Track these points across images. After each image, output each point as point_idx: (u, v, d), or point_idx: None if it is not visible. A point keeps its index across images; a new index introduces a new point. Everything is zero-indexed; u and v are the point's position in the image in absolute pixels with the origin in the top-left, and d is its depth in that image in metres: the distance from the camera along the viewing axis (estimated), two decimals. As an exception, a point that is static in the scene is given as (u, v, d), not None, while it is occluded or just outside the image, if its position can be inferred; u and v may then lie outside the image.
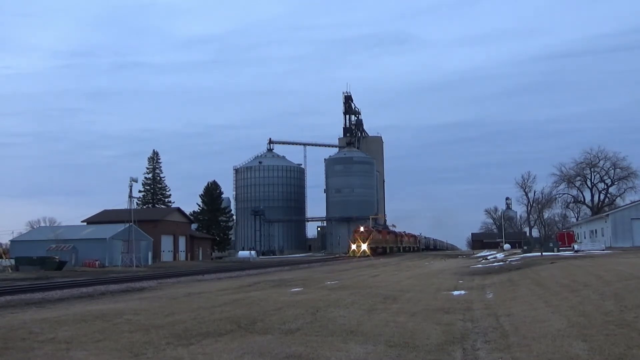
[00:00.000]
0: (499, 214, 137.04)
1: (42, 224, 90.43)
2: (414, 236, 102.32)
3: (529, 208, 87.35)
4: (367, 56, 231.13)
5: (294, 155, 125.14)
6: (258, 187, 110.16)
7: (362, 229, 70.09)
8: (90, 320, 10.16)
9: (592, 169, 74.96)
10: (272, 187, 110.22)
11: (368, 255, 62.94)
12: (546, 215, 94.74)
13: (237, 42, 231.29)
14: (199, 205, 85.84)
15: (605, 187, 75.33)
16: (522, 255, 42.75)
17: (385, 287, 17.43)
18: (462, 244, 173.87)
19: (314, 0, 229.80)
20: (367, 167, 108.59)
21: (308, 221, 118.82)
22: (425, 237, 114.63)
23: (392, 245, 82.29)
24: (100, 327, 9.38)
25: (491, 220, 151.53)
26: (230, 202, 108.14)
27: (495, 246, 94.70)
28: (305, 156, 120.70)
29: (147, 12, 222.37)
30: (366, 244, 66.04)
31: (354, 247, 66.72)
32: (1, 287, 22.05)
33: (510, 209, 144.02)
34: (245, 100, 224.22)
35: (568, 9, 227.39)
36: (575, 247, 43.00)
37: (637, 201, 57.38)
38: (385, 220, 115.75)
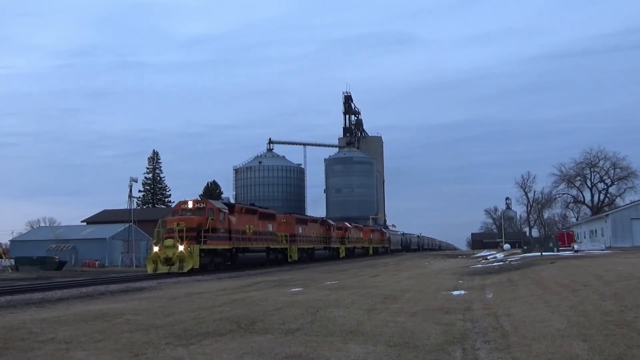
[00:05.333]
0: (499, 214, 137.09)
1: (42, 224, 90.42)
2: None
3: (529, 208, 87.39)
4: (367, 56, 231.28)
5: (293, 155, 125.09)
6: (258, 187, 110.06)
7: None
8: (90, 320, 10.16)
9: (592, 169, 74.97)
10: (272, 187, 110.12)
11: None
12: (546, 215, 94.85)
13: (237, 42, 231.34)
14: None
15: (605, 187, 75.36)
16: (522, 255, 42.74)
17: (385, 287, 17.43)
18: (462, 244, 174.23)
19: (314, 0, 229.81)
20: (367, 167, 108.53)
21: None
22: (418, 236, 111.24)
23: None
24: (100, 327, 9.38)
25: (491, 220, 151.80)
26: (230, 202, 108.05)
27: (495, 246, 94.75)
28: (305, 156, 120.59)
29: (147, 12, 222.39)
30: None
31: None
32: (1, 287, 22.05)
33: (510, 209, 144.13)
34: (245, 100, 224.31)
35: (568, 9, 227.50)
36: (575, 247, 43.00)
37: (637, 201, 57.39)
38: (385, 220, 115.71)
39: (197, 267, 26.88)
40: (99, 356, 7.29)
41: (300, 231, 43.17)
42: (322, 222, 50.71)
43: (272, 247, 36.68)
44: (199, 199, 31.17)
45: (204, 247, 27.45)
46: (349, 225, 58.82)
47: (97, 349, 7.67)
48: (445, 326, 9.74)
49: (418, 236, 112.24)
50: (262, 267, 33.99)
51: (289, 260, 39.95)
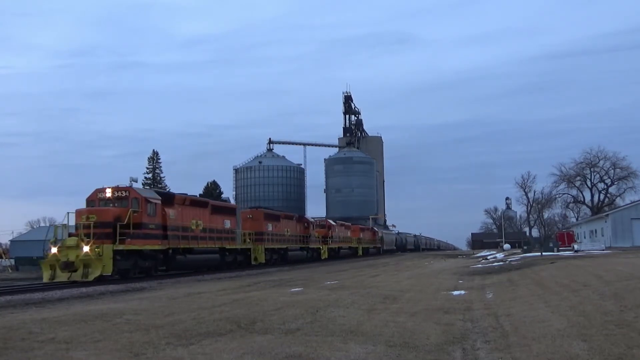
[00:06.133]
0: (499, 214, 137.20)
1: (42, 224, 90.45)
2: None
3: (529, 208, 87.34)
4: (367, 56, 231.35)
5: (293, 155, 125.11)
6: (258, 187, 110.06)
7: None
8: (90, 320, 10.16)
9: (592, 169, 74.97)
10: (272, 187, 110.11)
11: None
12: (546, 215, 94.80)
13: (237, 42, 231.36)
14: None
15: (605, 187, 75.36)
16: (522, 255, 42.76)
17: (385, 287, 17.43)
18: (462, 244, 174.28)
19: (314, 0, 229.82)
20: (367, 167, 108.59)
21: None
22: (415, 236, 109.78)
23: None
24: (100, 327, 9.38)
25: (491, 220, 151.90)
26: (230, 202, 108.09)
27: (495, 246, 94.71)
28: (305, 156, 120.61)
29: (147, 12, 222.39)
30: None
31: None
32: (1, 287, 22.04)
33: (510, 209, 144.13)
34: (245, 100, 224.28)
35: (568, 9, 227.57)
36: (575, 247, 43.03)
37: (637, 201, 57.39)
38: (385, 220, 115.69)
39: (110, 273, 21.55)
40: (99, 356, 7.29)
41: (270, 228, 37.64)
42: (298, 218, 45.27)
43: (228, 247, 31.01)
44: (123, 185, 24.01)
45: (122, 247, 21.88)
46: (333, 223, 53.75)
47: (97, 349, 7.67)
48: (445, 326, 9.74)
49: (415, 236, 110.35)
50: (219, 270, 29.39)
51: (253, 262, 34.78)
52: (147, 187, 24.64)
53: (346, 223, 61.19)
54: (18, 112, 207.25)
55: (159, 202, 24.75)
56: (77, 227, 22.30)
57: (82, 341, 8.23)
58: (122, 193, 23.51)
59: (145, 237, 23.39)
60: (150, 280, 23.01)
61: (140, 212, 23.15)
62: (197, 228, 27.75)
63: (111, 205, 23.07)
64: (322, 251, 48.46)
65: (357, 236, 61.36)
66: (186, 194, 28.59)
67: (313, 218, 53.63)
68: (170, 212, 25.56)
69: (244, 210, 38.33)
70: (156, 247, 24.29)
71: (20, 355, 7.37)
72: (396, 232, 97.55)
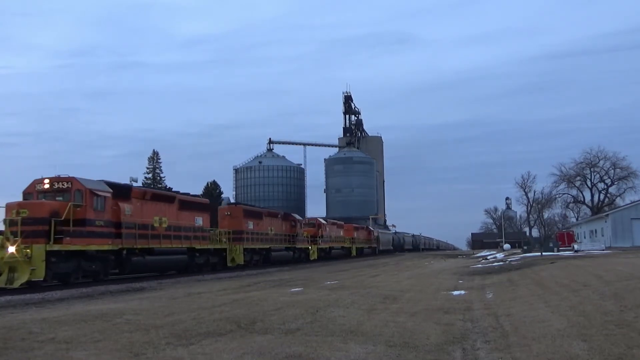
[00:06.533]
0: (499, 214, 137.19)
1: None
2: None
3: (529, 208, 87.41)
4: (367, 56, 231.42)
5: (293, 155, 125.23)
6: (258, 187, 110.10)
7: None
8: (90, 320, 10.16)
9: (592, 169, 75.02)
10: (272, 187, 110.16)
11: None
12: (546, 215, 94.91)
13: (237, 42, 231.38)
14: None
15: (605, 187, 75.40)
16: (522, 255, 42.77)
17: (385, 287, 17.43)
18: (462, 244, 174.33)
19: (314, 0, 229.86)
20: (367, 167, 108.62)
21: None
22: (413, 236, 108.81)
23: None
24: (100, 327, 9.38)
25: (491, 220, 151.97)
26: (230, 201, 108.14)
27: (495, 246, 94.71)
28: (305, 156, 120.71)
29: (147, 12, 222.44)
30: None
31: None
32: (1, 287, 21.97)
33: (510, 209, 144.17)
34: (245, 100, 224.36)
35: (568, 9, 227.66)
36: (575, 247, 43.05)
37: (637, 201, 57.40)
38: (385, 220, 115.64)
39: (42, 278, 18.29)
40: (99, 356, 7.29)
41: (251, 227, 34.43)
42: (284, 216, 41.62)
43: (199, 247, 27.95)
44: (65, 175, 20.63)
45: (57, 247, 18.68)
46: (323, 222, 50.17)
47: (97, 349, 7.67)
48: (445, 326, 9.74)
49: (413, 235, 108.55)
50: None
51: (230, 264, 31.66)
52: (98, 180, 21.49)
53: (338, 222, 58.23)
54: (18, 112, 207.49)
55: (109, 195, 21.55)
56: (4, 223, 19.07)
57: (82, 341, 8.23)
58: (63, 184, 20.18)
59: (89, 236, 20.22)
60: (150, 280, 22.97)
61: (84, 207, 20.06)
62: (161, 226, 24.83)
63: (50, 198, 19.88)
64: (311, 252, 45.22)
65: (351, 236, 58.32)
66: (147, 188, 26.83)
67: (313, 218, 52.17)
68: (126, 207, 22.56)
69: (222, 207, 35.65)
70: (105, 248, 21.09)
71: (20, 355, 7.37)
72: (393, 231, 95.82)
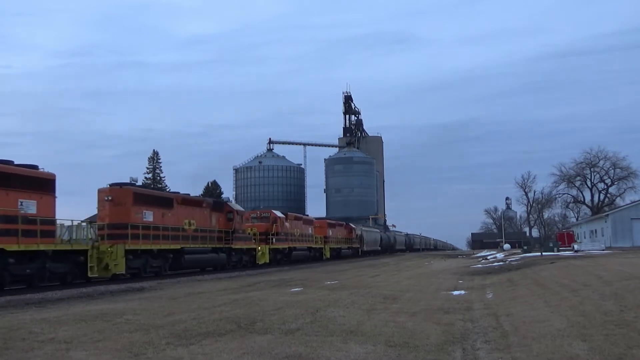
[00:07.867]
0: (499, 214, 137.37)
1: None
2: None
3: (529, 208, 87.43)
4: (367, 56, 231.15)
5: (294, 155, 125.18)
6: (258, 187, 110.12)
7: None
8: (90, 320, 10.16)
9: (592, 169, 75.08)
10: (272, 187, 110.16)
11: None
12: (546, 215, 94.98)
13: (237, 42, 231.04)
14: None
15: (605, 187, 75.47)
16: (522, 255, 42.76)
17: (385, 287, 17.44)
18: (462, 244, 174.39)
19: (314, 0, 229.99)
20: (367, 167, 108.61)
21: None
22: (406, 235, 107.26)
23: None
24: (100, 327, 9.38)
25: (491, 220, 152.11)
26: (230, 201, 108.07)
27: (495, 246, 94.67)
28: (305, 156, 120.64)
29: (147, 12, 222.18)
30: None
31: None
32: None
33: (510, 209, 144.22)
34: (245, 100, 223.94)
35: (568, 9, 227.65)
36: (575, 247, 43.08)
37: (637, 201, 57.43)
38: (385, 220, 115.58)
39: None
40: (99, 356, 7.29)
41: (151, 218, 23.89)
42: (214, 205, 30.61)
43: (44, 248, 18.27)
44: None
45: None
46: (280, 215, 37.48)
47: (97, 349, 7.67)
48: (445, 326, 9.74)
49: (407, 234, 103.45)
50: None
51: (90, 275, 20.51)
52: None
53: (306, 216, 49.41)
54: (18, 112, 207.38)
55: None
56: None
57: (82, 341, 8.23)
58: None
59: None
60: (150, 280, 23.00)
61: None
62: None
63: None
64: (259, 253, 33.94)
65: (324, 234, 47.57)
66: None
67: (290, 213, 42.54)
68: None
69: (102, 190, 23.18)
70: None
71: (20, 355, 7.37)
72: (382, 230, 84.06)
